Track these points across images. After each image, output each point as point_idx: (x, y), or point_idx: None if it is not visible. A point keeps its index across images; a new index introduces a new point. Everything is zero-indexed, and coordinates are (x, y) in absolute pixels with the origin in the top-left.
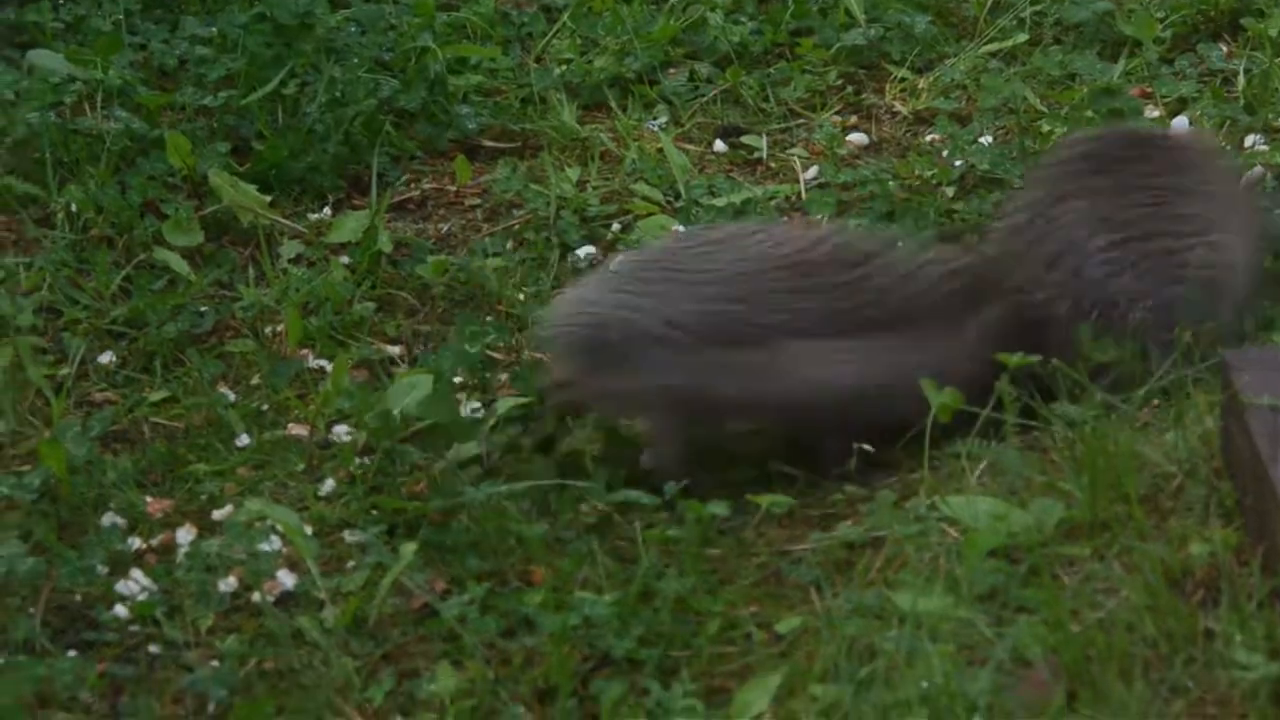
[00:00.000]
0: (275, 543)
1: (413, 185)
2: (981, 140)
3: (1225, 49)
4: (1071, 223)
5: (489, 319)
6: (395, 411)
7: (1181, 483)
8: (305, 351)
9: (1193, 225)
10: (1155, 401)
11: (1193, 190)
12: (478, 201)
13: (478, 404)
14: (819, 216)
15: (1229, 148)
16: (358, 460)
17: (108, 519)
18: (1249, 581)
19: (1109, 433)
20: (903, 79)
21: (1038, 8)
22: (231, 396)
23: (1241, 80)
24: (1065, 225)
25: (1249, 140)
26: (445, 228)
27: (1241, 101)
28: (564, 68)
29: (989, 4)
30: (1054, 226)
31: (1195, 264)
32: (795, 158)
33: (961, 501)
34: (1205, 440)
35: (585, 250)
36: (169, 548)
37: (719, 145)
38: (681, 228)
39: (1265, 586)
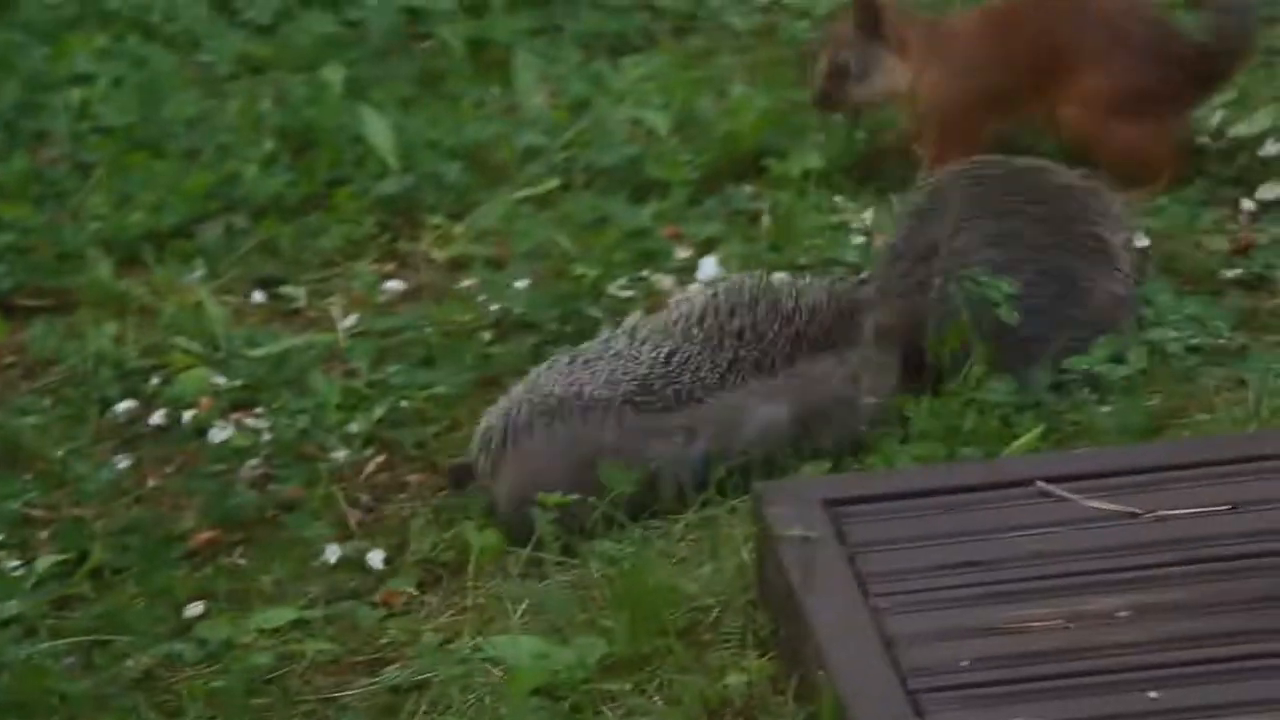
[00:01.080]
0: None
1: None
2: (517, 284)
3: (750, 189)
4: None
5: (27, 477)
6: None
7: (719, 615)
8: None
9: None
10: (693, 535)
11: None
12: (14, 360)
13: (17, 562)
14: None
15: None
16: None
17: None
18: (784, 710)
19: (647, 567)
20: (438, 226)
21: (568, 153)
22: None
23: (766, 219)
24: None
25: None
26: None
27: (767, 240)
28: (99, 223)
29: (520, 151)
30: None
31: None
32: (334, 306)
33: (504, 641)
34: (741, 572)
35: (125, 405)
36: None
37: (257, 296)
38: None
39: (800, 714)
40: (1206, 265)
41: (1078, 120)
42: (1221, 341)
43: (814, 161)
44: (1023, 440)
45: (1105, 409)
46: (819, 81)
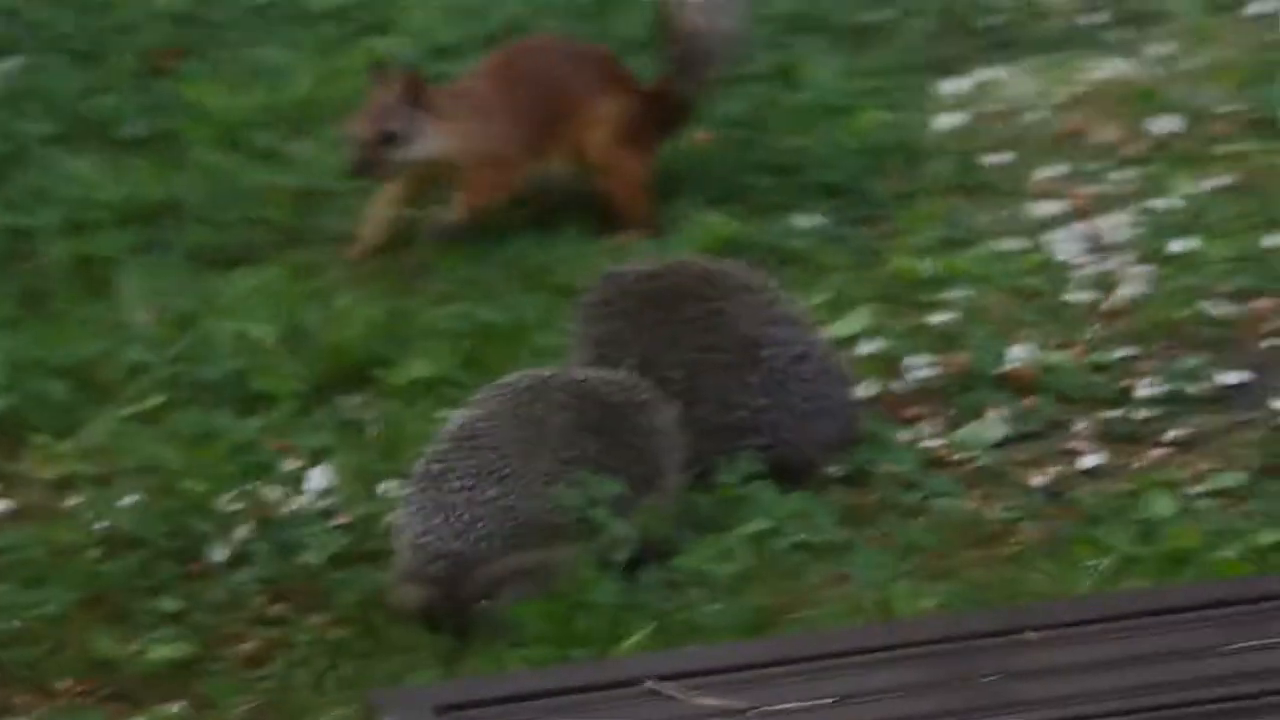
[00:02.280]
0: None
1: None
2: (124, 501)
3: (359, 399)
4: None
5: None
6: None
7: None
8: None
9: None
10: None
11: None
12: None
13: None
14: None
15: None
16: None
17: None
18: None
19: None
20: (43, 445)
21: (174, 368)
22: None
23: (375, 428)
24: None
25: (382, 487)
26: None
27: (377, 449)
28: None
29: (126, 367)
30: None
31: None
32: None
33: None
34: None
35: None
36: None
37: None
38: None
39: None
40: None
41: (597, 152)
42: (826, 538)
43: (422, 369)
44: (633, 639)
45: (714, 606)
46: (359, 151)
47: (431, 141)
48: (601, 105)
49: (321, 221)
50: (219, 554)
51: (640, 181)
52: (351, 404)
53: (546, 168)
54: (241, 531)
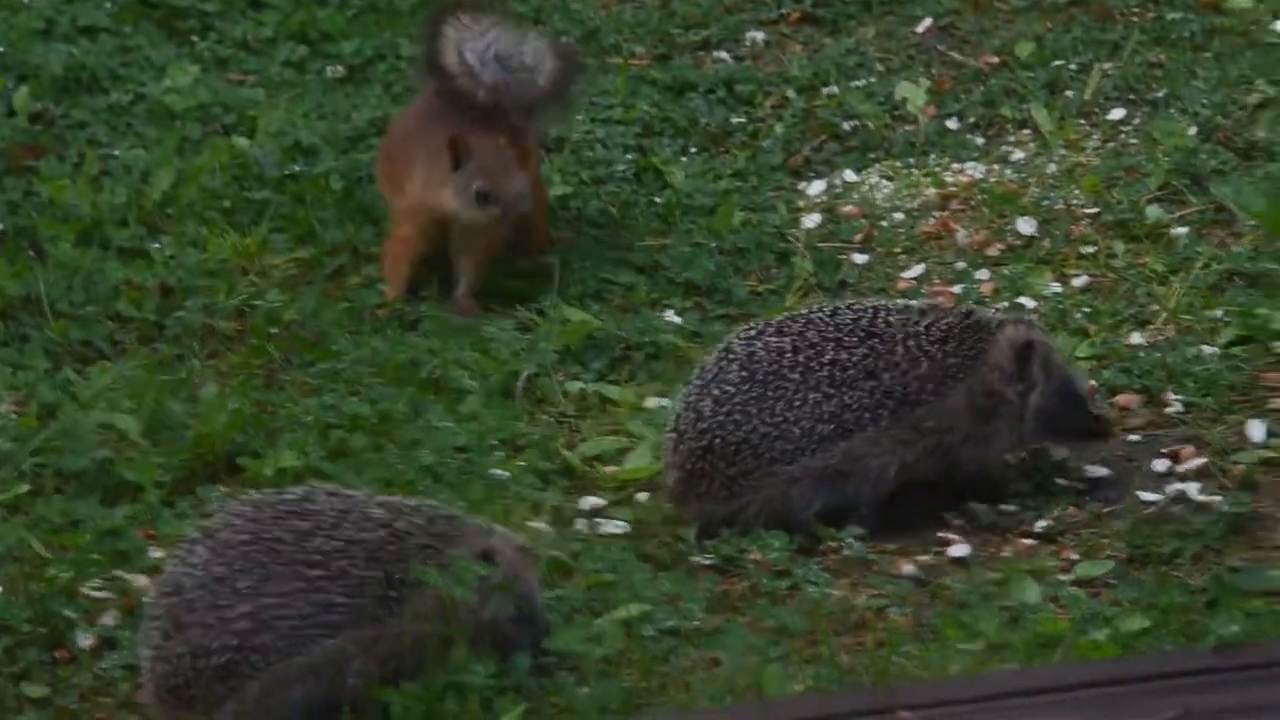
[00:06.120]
0: None
1: None
2: None
3: (224, 489)
4: None
5: None
6: None
7: None
8: None
9: None
10: None
11: None
12: None
13: None
14: None
15: None
16: None
17: None
18: None
19: None
20: None
21: (37, 459)
22: None
23: None
24: None
25: None
26: None
27: None
28: None
29: None
30: None
31: None
32: None
33: None
34: None
35: None
36: None
37: None
38: None
39: None
40: (681, 550)
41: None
42: (696, 622)
43: (289, 460)
44: None
45: (585, 689)
46: None
47: None
48: (530, 139)
49: (182, 317)
50: (85, 640)
51: (546, 207)
52: (217, 494)
53: None
54: (108, 618)
